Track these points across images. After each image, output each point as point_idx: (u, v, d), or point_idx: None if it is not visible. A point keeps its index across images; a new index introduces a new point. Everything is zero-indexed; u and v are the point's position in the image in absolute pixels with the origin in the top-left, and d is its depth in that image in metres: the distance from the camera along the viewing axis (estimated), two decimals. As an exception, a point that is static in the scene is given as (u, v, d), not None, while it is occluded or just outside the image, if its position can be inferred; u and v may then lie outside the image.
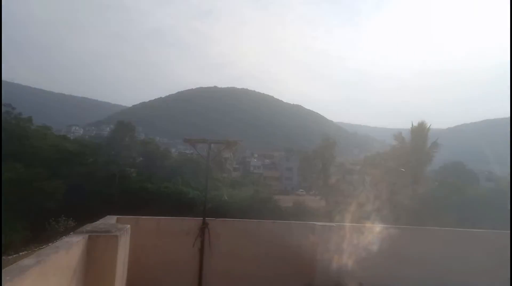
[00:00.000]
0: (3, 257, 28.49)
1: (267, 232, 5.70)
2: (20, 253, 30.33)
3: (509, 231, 4.98)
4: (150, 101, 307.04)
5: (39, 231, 34.14)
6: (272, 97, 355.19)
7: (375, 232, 5.44)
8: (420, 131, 32.94)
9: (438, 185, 32.08)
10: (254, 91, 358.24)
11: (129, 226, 4.48)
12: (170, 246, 5.48)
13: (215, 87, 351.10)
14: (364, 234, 5.38)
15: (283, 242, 5.48)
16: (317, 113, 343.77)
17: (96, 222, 4.58)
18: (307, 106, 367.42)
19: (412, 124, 33.30)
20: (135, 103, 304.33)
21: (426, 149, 32.54)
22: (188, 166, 56.48)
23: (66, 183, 42.13)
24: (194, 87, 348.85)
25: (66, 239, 3.28)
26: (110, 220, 5.20)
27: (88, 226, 4.14)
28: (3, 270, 2.68)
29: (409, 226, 6.56)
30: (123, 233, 3.98)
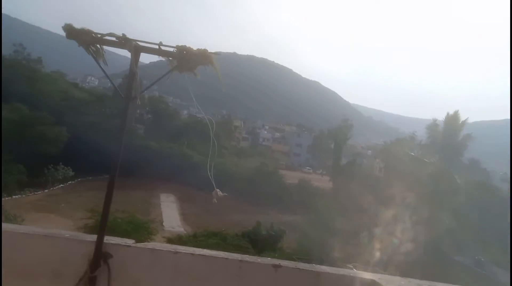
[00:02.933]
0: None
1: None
2: (14, 196, 29.63)
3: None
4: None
5: (36, 176, 33.29)
6: (291, 70, 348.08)
7: None
8: (452, 122, 30.38)
9: (466, 184, 29.80)
10: (273, 62, 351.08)
11: None
12: None
13: (235, 53, 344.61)
14: None
15: None
16: (334, 92, 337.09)
17: None
18: (325, 84, 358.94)
19: (448, 114, 30.70)
20: (153, 61, 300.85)
21: (457, 141, 30.12)
22: (197, 129, 54.84)
23: (70, 131, 41.02)
24: (213, 51, 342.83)
25: None
26: None
27: None
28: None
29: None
30: None
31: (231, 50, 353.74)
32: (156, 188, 38.77)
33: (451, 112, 31.12)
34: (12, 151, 31.78)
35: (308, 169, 71.82)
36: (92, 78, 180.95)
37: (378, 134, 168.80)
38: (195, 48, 2.46)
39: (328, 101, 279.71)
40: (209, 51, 2.48)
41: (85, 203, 28.55)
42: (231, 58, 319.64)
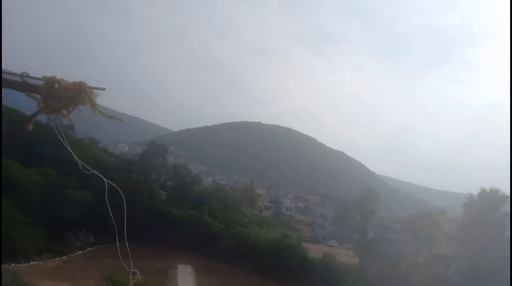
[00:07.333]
0: (13, 264, 27.42)
1: None
2: (31, 262, 29.24)
3: None
4: (195, 128, 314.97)
5: (55, 241, 33.09)
6: (315, 140, 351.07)
7: None
8: (490, 199, 28.63)
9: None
10: (298, 131, 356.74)
11: None
12: None
13: (260, 123, 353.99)
14: None
15: None
16: (359, 162, 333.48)
17: None
18: (350, 153, 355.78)
19: (482, 189, 29.15)
20: (181, 128, 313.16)
21: (496, 219, 28.05)
22: (218, 196, 54.53)
23: (95, 196, 41.58)
24: (239, 121, 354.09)
25: None
26: None
27: None
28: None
29: None
30: None
31: (256, 120, 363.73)
32: (174, 258, 37.60)
33: (484, 184, 29.58)
34: (34, 213, 31.99)
35: (334, 242, 68.53)
36: (123, 145, 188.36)
37: (406, 207, 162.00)
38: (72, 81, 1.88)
39: (353, 171, 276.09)
40: (88, 84, 1.87)
41: (100, 272, 27.80)
42: (256, 127, 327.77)
